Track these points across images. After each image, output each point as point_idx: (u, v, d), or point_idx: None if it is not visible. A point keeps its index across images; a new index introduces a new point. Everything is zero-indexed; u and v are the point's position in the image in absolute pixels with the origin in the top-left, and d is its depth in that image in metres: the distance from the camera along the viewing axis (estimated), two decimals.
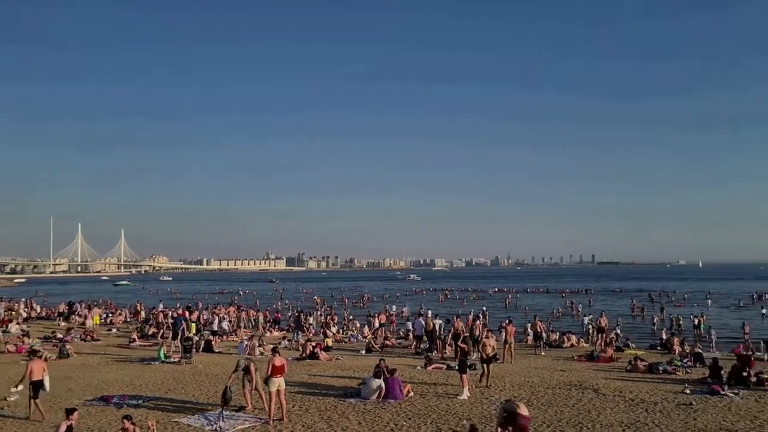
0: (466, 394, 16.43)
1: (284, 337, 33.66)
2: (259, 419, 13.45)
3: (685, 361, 23.34)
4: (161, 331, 33.00)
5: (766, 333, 35.10)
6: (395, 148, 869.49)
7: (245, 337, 28.23)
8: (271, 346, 16.61)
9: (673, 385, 18.38)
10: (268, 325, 41.27)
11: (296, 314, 43.73)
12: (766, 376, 18.65)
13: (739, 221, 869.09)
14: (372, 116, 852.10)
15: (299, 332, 33.51)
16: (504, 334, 25.35)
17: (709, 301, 65.85)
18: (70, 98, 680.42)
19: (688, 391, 17.02)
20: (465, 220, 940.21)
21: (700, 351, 24.82)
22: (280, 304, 67.41)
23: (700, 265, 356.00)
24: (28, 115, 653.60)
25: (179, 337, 24.79)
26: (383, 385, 16.24)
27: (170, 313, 37.55)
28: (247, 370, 14.62)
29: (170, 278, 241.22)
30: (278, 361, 13.61)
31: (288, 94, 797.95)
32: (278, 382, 13.31)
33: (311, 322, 41.34)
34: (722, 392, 16.56)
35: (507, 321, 28.52)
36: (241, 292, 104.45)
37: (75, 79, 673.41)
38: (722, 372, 18.91)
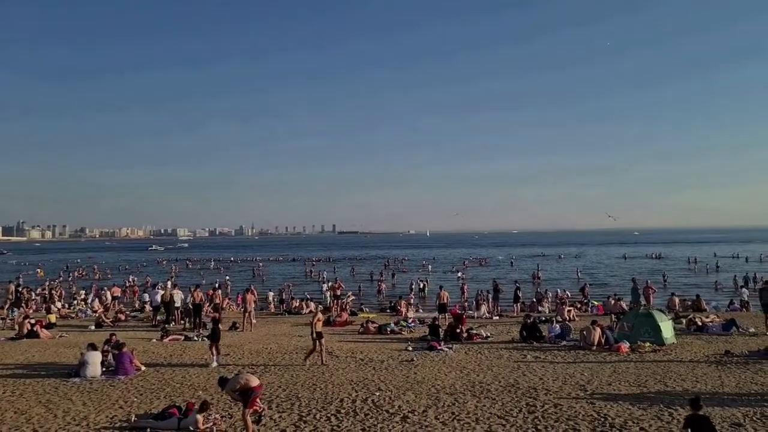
0: (215, 362, 16.24)
1: None
2: None
3: (410, 321, 25.60)
4: None
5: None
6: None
7: None
8: None
9: (399, 343, 20.07)
10: None
11: (12, 288, 38.88)
12: (475, 331, 21.35)
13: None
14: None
15: (15, 309, 29.90)
16: (244, 302, 25.39)
17: (430, 266, 72.89)
18: None
19: (410, 349, 18.71)
20: (207, 190, 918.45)
21: (422, 312, 27.41)
22: None
23: (428, 234, 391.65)
24: None
25: None
26: (112, 361, 15.31)
27: None
28: None
29: None
30: None
31: None
32: None
33: (33, 297, 37.20)
34: (439, 347, 18.52)
35: (245, 290, 28.51)
36: None
37: None
38: (440, 330, 21.12)
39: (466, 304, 33.05)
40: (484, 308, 29.61)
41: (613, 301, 28.05)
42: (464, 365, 15.97)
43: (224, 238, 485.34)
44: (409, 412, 11.22)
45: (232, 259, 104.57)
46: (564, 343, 19.44)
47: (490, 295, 31.31)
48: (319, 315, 17.01)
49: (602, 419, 10.52)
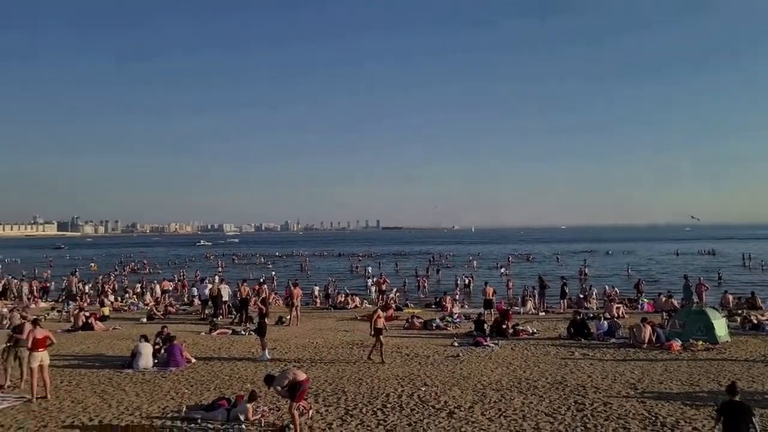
0: (267, 356, 16.47)
1: (53, 308, 30.87)
2: (20, 398, 12.22)
3: (456, 317, 25.49)
4: None
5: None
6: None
7: (5, 310, 25.41)
8: (33, 317, 15.10)
9: (444, 339, 20.02)
10: (35, 295, 37.47)
11: (68, 283, 40.13)
12: (521, 327, 21.15)
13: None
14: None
15: (70, 302, 30.90)
16: (291, 297, 25.62)
17: (475, 262, 72.26)
18: None
19: (456, 344, 18.65)
20: (254, 185, 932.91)
21: (467, 308, 27.26)
22: (49, 272, 61.47)
23: (473, 230, 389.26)
24: None
25: None
26: (164, 353, 15.71)
27: None
28: (16, 342, 13.14)
29: None
30: (39, 333, 12.40)
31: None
32: (40, 357, 12.15)
33: (87, 290, 38.34)
34: (485, 343, 18.40)
35: (293, 284, 28.75)
36: (6, 260, 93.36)
37: None
38: (486, 326, 20.98)
39: (512, 300, 32.73)
40: (530, 304, 29.28)
41: (664, 299, 27.34)
42: (510, 361, 15.85)
43: (270, 234, 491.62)
44: (455, 407, 11.19)
45: (277, 254, 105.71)
46: (613, 340, 19.10)
47: (536, 291, 30.91)
48: (380, 312, 16.98)
49: (653, 418, 10.30)
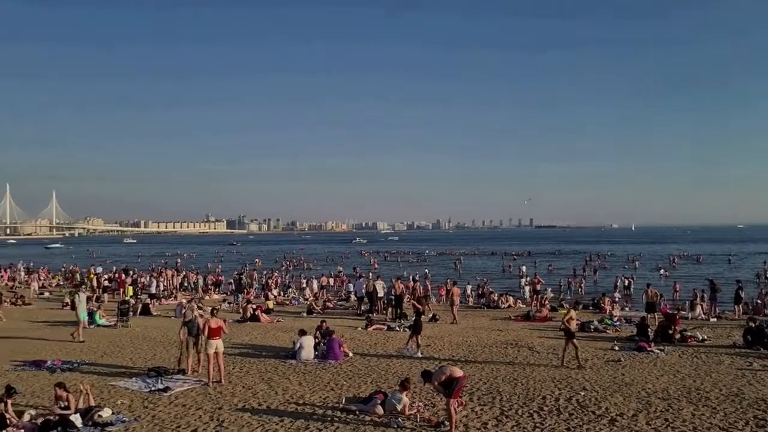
0: (419, 354, 16.74)
1: (224, 300, 33.37)
2: (198, 381, 13.35)
3: (615, 319, 24.32)
4: (95, 294, 32.23)
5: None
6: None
7: (184, 301, 27.83)
8: (210, 308, 16.49)
9: (604, 342, 19.15)
10: (208, 287, 40.75)
11: (237, 276, 43.16)
12: (689, 333, 19.73)
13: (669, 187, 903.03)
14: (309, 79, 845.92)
15: (239, 295, 33.20)
16: (451, 295, 25.80)
17: (636, 263, 68.34)
18: None
19: (617, 348, 17.77)
20: (406, 184, 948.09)
21: (628, 310, 25.88)
22: (220, 267, 66.55)
23: (633, 228, 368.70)
24: None
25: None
26: (323, 346, 16.44)
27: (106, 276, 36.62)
28: (197, 331, 14.36)
29: (134, 240, 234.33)
30: (214, 323, 13.44)
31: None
32: (215, 345, 13.18)
33: (254, 284, 41.04)
34: (649, 349, 17.37)
35: (452, 282, 28.90)
36: (185, 255, 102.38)
37: None
38: (649, 330, 19.80)
39: (679, 304, 30.67)
40: (699, 309, 27.19)
41: None
42: (678, 369, 14.82)
43: (421, 232, 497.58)
44: (617, 414, 10.67)
45: (427, 252, 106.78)
46: None
47: (706, 295, 28.67)
48: (572, 313, 16.03)
49: None
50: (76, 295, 20.60)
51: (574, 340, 15.30)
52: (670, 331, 19.43)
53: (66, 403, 10.58)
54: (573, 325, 15.41)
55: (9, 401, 10.33)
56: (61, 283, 46.29)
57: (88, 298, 30.61)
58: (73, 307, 20.44)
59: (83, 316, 19.81)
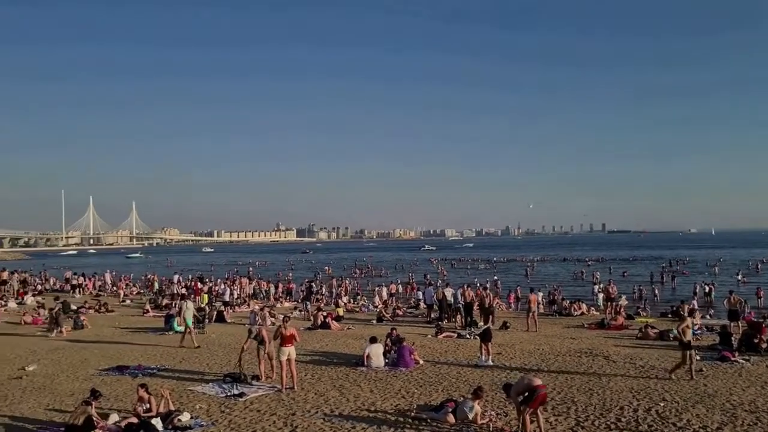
0: (489, 362, 16.57)
1: (295, 308, 33.92)
2: (272, 387, 13.61)
3: (696, 327, 23.34)
4: (174, 301, 33.33)
5: None
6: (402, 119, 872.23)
7: (257, 308, 28.45)
8: (282, 316, 16.82)
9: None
10: (279, 295, 41.54)
11: (307, 284, 43.87)
12: None
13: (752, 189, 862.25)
14: (382, 87, 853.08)
15: (309, 302, 33.72)
16: (528, 303, 25.43)
17: (716, 268, 65.20)
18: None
19: (698, 358, 17.01)
20: (474, 190, 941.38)
21: (709, 318, 24.81)
22: (291, 274, 67.81)
23: (713, 232, 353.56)
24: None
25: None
26: (394, 353, 16.47)
27: (182, 284, 37.84)
28: (261, 339, 14.73)
29: (212, 249, 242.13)
30: (288, 330, 13.68)
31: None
32: (288, 351, 13.40)
33: (324, 292, 41.57)
34: (733, 358, 16.59)
35: (530, 290, 28.51)
36: (257, 263, 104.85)
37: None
38: (732, 339, 18.92)
39: (765, 312, 29.18)
40: None
41: None
42: (766, 380, 14.07)
43: (490, 238, 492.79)
44: (700, 427, 10.23)
45: (494, 258, 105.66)
46: None
47: None
48: (688, 321, 15.05)
49: None
50: (184, 303, 21.31)
51: (691, 351, 14.29)
52: (756, 340, 18.49)
53: (148, 405, 11.04)
54: (689, 335, 14.44)
55: (94, 404, 10.83)
56: (142, 291, 48.18)
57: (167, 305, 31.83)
58: (180, 314, 21.09)
59: (190, 322, 20.45)
